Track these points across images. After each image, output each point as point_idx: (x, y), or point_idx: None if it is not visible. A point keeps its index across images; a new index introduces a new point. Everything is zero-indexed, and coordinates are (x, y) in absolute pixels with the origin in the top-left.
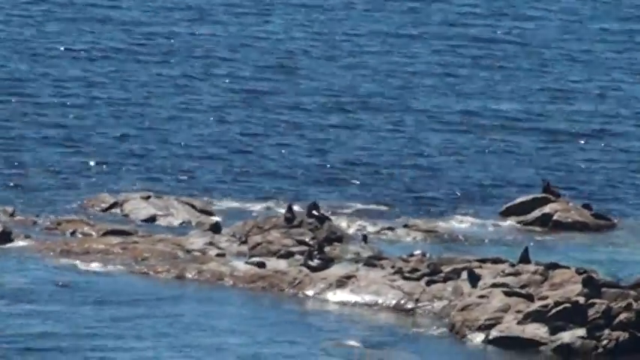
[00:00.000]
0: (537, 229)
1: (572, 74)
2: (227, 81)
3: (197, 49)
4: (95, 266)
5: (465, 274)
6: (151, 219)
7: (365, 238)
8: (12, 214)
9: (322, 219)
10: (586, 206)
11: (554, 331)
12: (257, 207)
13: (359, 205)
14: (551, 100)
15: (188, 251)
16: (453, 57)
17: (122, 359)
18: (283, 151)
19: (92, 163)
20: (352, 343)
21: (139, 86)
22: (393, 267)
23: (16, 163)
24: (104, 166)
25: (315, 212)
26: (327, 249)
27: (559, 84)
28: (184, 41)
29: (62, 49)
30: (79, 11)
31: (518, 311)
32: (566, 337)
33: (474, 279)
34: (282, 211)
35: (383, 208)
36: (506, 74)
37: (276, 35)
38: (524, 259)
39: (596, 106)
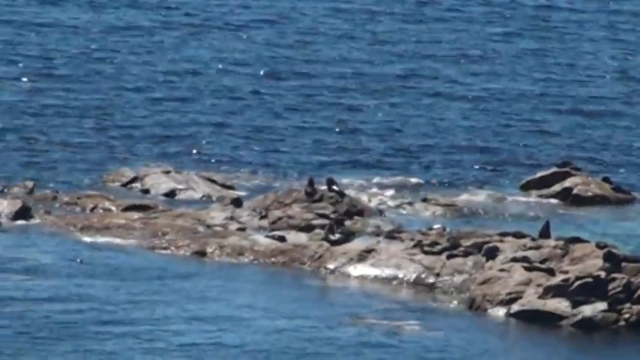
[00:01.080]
0: (558, 202)
1: (595, 51)
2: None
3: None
4: (115, 241)
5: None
6: (171, 193)
7: (381, 212)
8: (31, 190)
9: (340, 193)
10: (606, 180)
11: (575, 305)
12: (278, 182)
13: (379, 180)
14: (573, 78)
15: (208, 226)
16: (472, 36)
17: (142, 333)
18: (305, 127)
19: (113, 138)
20: (372, 317)
21: (164, 62)
22: (412, 240)
23: (35, 139)
24: (125, 141)
25: (333, 187)
26: (347, 223)
27: (582, 60)
28: (206, 17)
29: (87, 20)
30: None
31: (539, 285)
32: (587, 310)
33: (491, 254)
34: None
35: (403, 182)
36: (530, 51)
37: (301, 11)
38: (545, 233)
39: (618, 84)
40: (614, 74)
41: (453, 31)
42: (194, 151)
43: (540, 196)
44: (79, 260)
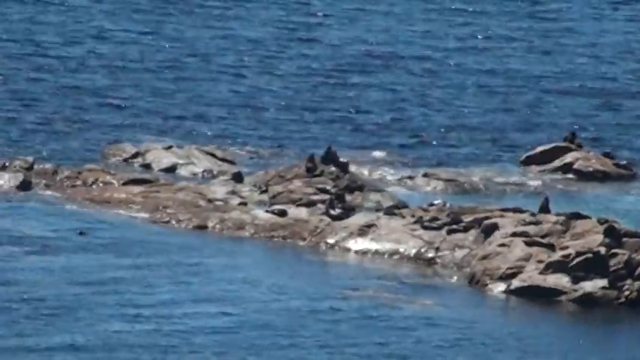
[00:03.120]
0: (558, 177)
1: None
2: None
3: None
4: (116, 215)
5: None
6: (172, 168)
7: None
8: (31, 165)
9: (343, 166)
10: (607, 155)
11: (575, 281)
12: (279, 157)
13: (380, 154)
14: (580, 60)
15: (210, 200)
16: (478, 17)
17: (142, 308)
18: (312, 102)
19: (115, 113)
20: (372, 291)
21: (171, 41)
22: (413, 216)
23: (36, 114)
24: (127, 116)
25: (334, 159)
26: (348, 198)
27: (590, 42)
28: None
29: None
30: None
31: (540, 261)
32: (587, 287)
33: (489, 232)
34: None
35: (404, 157)
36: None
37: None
38: (545, 208)
39: (628, 66)
40: (619, 54)
41: (459, 13)
42: (196, 127)
43: (541, 171)
44: (78, 232)
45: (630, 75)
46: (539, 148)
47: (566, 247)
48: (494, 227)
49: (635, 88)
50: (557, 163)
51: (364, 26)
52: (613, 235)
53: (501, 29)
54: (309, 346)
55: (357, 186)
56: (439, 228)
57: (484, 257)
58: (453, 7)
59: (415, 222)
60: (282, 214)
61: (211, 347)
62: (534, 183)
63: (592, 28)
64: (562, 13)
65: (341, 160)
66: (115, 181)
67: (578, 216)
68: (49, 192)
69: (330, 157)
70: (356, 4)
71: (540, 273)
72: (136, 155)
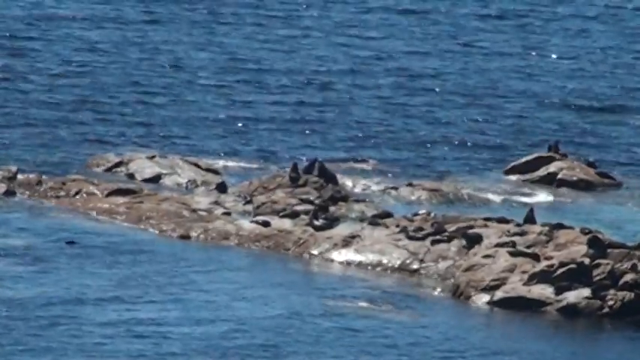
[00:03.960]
0: (543, 187)
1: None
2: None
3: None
4: (100, 226)
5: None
6: (156, 178)
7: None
8: (15, 174)
9: (329, 176)
10: (590, 164)
11: (559, 291)
12: (262, 167)
13: (364, 165)
14: (562, 71)
15: (194, 210)
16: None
17: (127, 319)
18: (288, 112)
19: (98, 123)
20: (356, 302)
21: (154, 49)
22: (397, 226)
23: (20, 123)
24: (109, 126)
25: (320, 170)
26: (331, 208)
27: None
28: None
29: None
30: None
31: (524, 272)
32: (571, 297)
33: (472, 241)
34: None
35: (388, 167)
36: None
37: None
38: (530, 219)
39: (609, 77)
40: (602, 66)
41: (440, 22)
42: (179, 138)
43: (525, 181)
44: (64, 244)
45: (615, 87)
46: (524, 158)
47: (550, 258)
48: (478, 237)
49: (620, 100)
50: (541, 172)
51: (348, 39)
52: (597, 245)
53: (487, 41)
54: (290, 358)
55: (341, 196)
56: (423, 238)
57: (468, 268)
58: (437, 18)
59: (399, 232)
60: (266, 224)
61: (189, 355)
62: (518, 193)
63: (575, 41)
64: (547, 24)
65: (329, 171)
66: (98, 192)
67: (561, 226)
68: (32, 202)
69: (318, 170)
70: (347, 13)
71: (524, 284)
72: (119, 164)
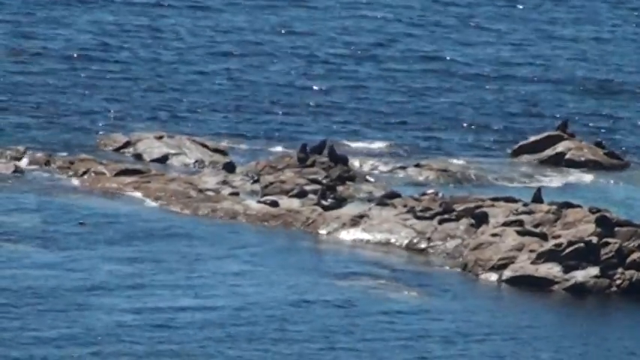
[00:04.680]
0: (551, 167)
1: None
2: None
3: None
4: (109, 205)
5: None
6: (164, 158)
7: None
8: (23, 154)
9: (340, 158)
10: (599, 144)
11: (567, 270)
12: (270, 147)
13: (372, 145)
14: (571, 53)
15: (201, 190)
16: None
17: (136, 300)
18: (293, 90)
19: (105, 104)
20: (364, 280)
21: (163, 34)
22: (405, 206)
23: (29, 104)
24: (118, 106)
25: (330, 150)
26: (339, 188)
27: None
28: None
29: None
30: None
31: (532, 250)
32: (579, 276)
33: (480, 220)
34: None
35: (396, 147)
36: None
37: None
38: (537, 198)
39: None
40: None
41: (452, 4)
42: (188, 117)
43: (533, 160)
44: (73, 223)
45: (625, 67)
46: (531, 138)
47: (558, 237)
48: (485, 216)
49: (629, 80)
50: (549, 152)
51: (354, 19)
52: (605, 224)
53: (492, 21)
54: (300, 339)
55: (349, 176)
56: (431, 218)
57: (476, 247)
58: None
59: (407, 212)
60: (274, 204)
61: (200, 339)
62: (527, 172)
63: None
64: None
65: (339, 153)
66: (107, 172)
67: (569, 205)
68: (41, 181)
69: (329, 152)
70: None
71: (532, 262)
72: (127, 145)
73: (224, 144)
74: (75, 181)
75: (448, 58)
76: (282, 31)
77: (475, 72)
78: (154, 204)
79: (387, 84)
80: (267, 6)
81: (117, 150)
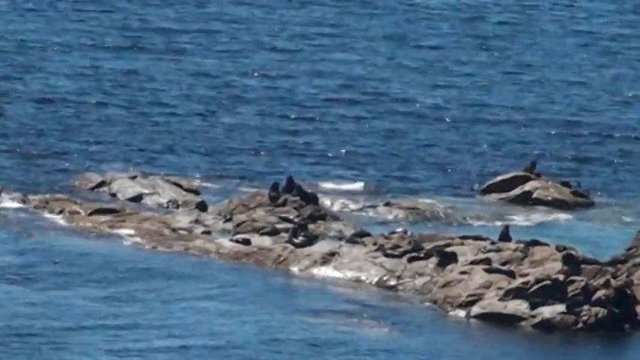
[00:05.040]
0: (518, 206)
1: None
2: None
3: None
4: (83, 244)
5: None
6: (138, 197)
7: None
8: (0, 192)
9: (311, 197)
10: (565, 184)
11: (534, 306)
12: (242, 187)
13: (342, 185)
14: (536, 92)
15: (174, 229)
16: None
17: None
18: (265, 131)
19: (80, 145)
20: (334, 317)
21: (139, 77)
22: (375, 244)
23: (5, 144)
24: (93, 147)
25: (298, 190)
26: (310, 226)
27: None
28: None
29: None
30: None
31: (500, 288)
32: (546, 312)
33: (447, 259)
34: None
35: (365, 186)
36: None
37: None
38: (505, 236)
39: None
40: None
41: (417, 47)
42: (160, 158)
43: (501, 199)
44: (51, 262)
45: (593, 108)
46: (499, 177)
47: (526, 274)
48: (453, 256)
49: (593, 119)
50: (516, 191)
51: (325, 62)
52: (571, 262)
53: (459, 64)
54: None
55: (320, 215)
56: (400, 256)
57: (445, 285)
58: (412, 40)
59: (377, 250)
60: (246, 242)
61: None
62: (494, 211)
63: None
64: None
65: (308, 191)
66: (82, 211)
67: (536, 243)
68: (17, 220)
69: (297, 189)
70: (325, 40)
71: (500, 299)
72: (102, 184)
73: (197, 183)
74: (50, 220)
75: (417, 99)
76: (255, 74)
77: (443, 114)
78: (128, 242)
79: (357, 125)
80: (240, 50)
81: (92, 189)
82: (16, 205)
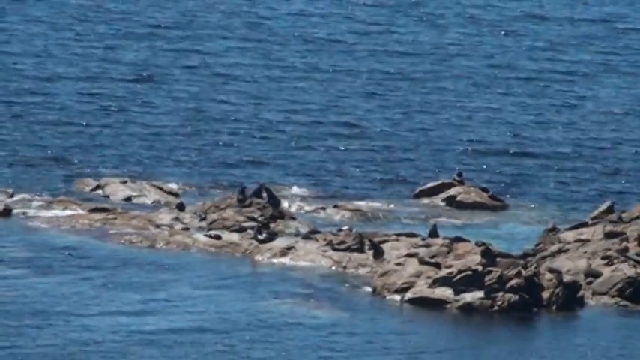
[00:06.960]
0: (445, 208)
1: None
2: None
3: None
4: (81, 238)
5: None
6: (128, 199)
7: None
8: (12, 195)
9: (274, 200)
10: (484, 189)
11: (457, 292)
12: (215, 190)
13: (299, 190)
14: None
15: (158, 226)
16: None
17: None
18: (233, 139)
19: (80, 152)
20: (290, 298)
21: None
22: (325, 240)
23: (16, 149)
24: (90, 156)
25: (265, 194)
26: (272, 225)
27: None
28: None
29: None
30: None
31: (429, 277)
32: (467, 297)
33: (379, 252)
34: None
35: (317, 191)
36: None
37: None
38: (433, 233)
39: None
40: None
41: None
42: (146, 163)
43: (430, 202)
44: (67, 253)
45: (514, 131)
46: (429, 184)
47: (450, 266)
48: (381, 249)
49: (513, 141)
50: (443, 195)
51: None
52: (488, 255)
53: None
54: (223, 350)
55: (280, 215)
56: (346, 249)
57: (383, 274)
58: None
59: (327, 244)
60: (218, 238)
61: (143, 354)
62: (425, 212)
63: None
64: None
65: (274, 195)
66: (80, 210)
67: (459, 240)
68: (26, 218)
69: (267, 194)
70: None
71: (429, 287)
72: (97, 188)
73: (176, 187)
74: (54, 218)
75: (361, 120)
76: (232, 100)
77: (388, 126)
78: (119, 237)
79: (311, 141)
80: (221, 74)
81: (89, 192)
82: (24, 205)
